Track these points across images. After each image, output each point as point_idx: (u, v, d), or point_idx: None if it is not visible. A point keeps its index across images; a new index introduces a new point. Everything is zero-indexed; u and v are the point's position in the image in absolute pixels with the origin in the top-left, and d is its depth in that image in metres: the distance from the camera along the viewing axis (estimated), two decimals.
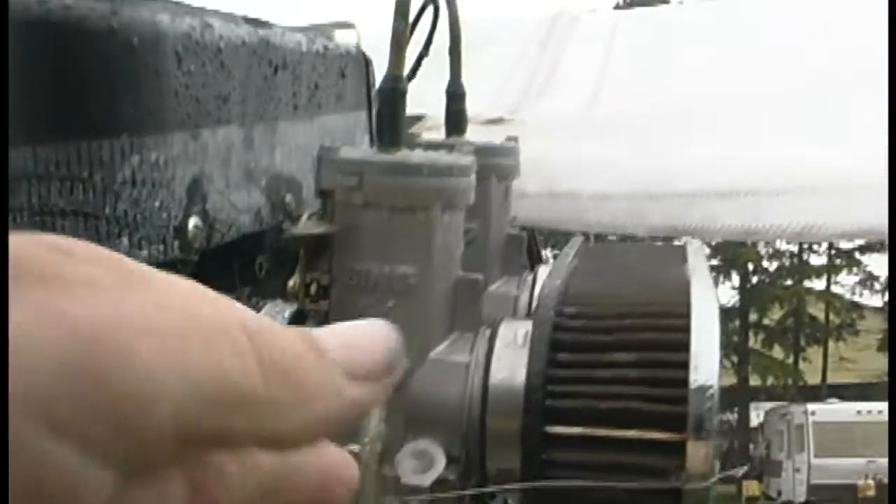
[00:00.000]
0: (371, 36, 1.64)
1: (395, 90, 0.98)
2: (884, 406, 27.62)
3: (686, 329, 0.90)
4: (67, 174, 0.89)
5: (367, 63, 1.50)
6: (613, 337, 0.92)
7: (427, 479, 0.93)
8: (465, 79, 2.64)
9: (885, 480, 25.91)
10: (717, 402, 0.87)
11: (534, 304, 1.13)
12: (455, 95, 1.32)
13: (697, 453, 0.87)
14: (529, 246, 1.38)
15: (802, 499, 26.89)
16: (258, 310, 1.02)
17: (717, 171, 1.51)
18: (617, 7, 29.42)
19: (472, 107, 2.19)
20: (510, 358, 0.94)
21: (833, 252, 32.29)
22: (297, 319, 1.01)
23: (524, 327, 0.96)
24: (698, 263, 1.07)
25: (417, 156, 0.95)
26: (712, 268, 32.10)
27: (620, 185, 1.70)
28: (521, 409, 0.91)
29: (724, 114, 1.88)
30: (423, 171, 0.93)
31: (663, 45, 2.63)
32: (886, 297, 33.76)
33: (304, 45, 1.27)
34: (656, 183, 1.61)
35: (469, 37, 3.17)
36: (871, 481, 26.11)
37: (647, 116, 1.97)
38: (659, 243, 1.53)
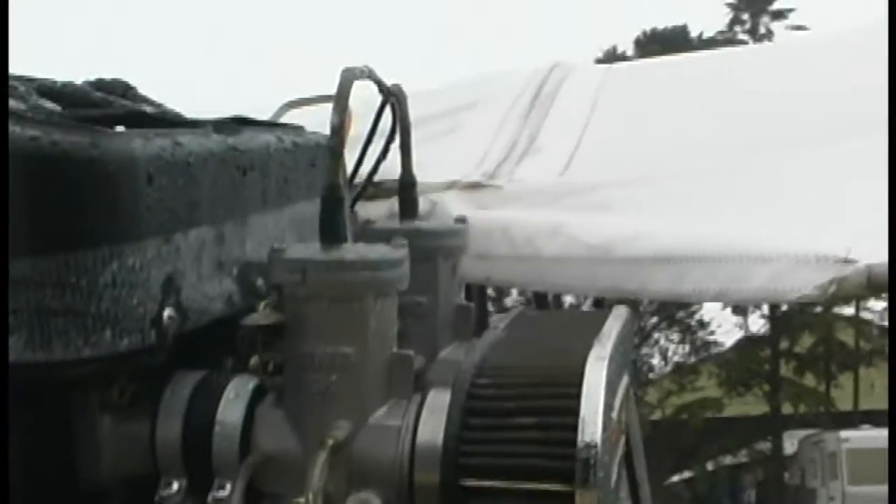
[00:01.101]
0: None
1: (333, 196, 1.16)
2: None
3: (577, 396, 1.08)
4: (58, 280, 1.07)
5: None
6: (516, 404, 1.09)
7: None
8: (456, 139, 2.80)
9: None
10: (600, 457, 1.05)
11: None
12: (406, 184, 1.50)
13: (584, 500, 1.04)
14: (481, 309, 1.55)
15: None
16: (226, 384, 1.20)
17: (653, 238, 1.68)
18: (637, 41, 29.58)
19: (457, 170, 2.37)
20: (433, 422, 1.12)
21: None
22: (258, 392, 1.19)
23: (445, 396, 1.13)
24: (609, 330, 1.24)
25: (352, 253, 1.13)
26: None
27: (574, 250, 1.86)
28: (440, 465, 1.08)
29: (660, 179, 2.04)
30: (356, 267, 1.11)
31: (647, 104, 2.78)
32: None
33: (272, 146, 1.45)
34: (604, 247, 1.78)
35: (460, 98, 3.34)
36: None
37: (611, 184, 2.13)
38: (591, 310, 1.69)
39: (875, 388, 30.45)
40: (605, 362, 1.11)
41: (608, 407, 1.09)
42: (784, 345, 31.57)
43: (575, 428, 1.06)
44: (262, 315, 1.13)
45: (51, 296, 1.08)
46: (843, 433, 27.14)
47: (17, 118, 1.09)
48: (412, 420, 1.14)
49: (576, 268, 1.84)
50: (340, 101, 1.16)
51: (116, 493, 1.23)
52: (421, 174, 2.25)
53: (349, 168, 1.94)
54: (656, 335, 30.46)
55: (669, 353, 31.00)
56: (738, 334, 32.58)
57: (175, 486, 1.19)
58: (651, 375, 29.70)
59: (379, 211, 1.97)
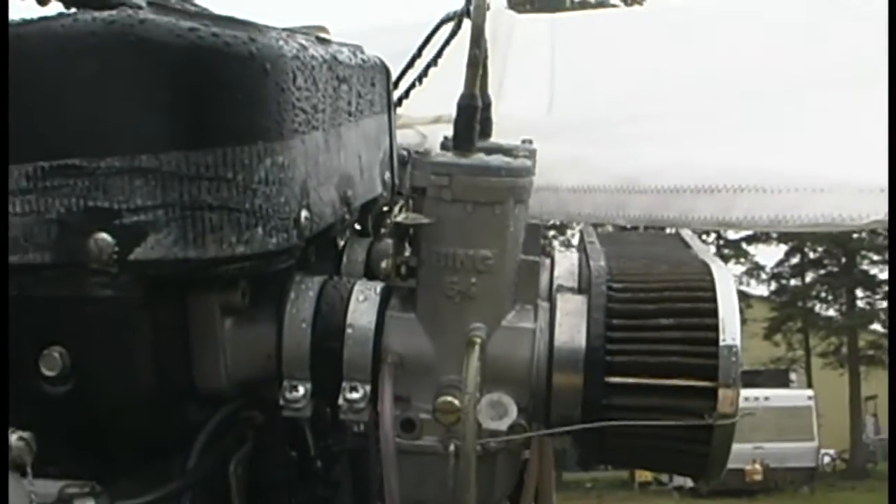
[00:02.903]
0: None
1: (470, 105, 1.19)
2: (770, 393, 28.50)
3: (713, 300, 1.13)
4: (215, 175, 1.07)
5: (387, 72, 1.71)
6: (656, 306, 1.14)
7: (504, 425, 1.14)
8: (431, 81, 2.82)
9: (772, 465, 26.81)
10: (740, 357, 1.10)
11: (556, 282, 1.33)
12: (484, 105, 1.52)
13: (726, 397, 1.10)
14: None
15: (692, 483, 27.57)
16: (352, 288, 1.22)
17: (690, 169, 1.74)
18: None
19: (441, 106, 2.39)
20: (570, 324, 1.16)
21: (721, 243, 33.07)
22: (387, 294, 1.21)
23: (577, 300, 1.18)
24: (702, 248, 1.30)
25: (496, 159, 1.16)
26: None
27: (596, 180, 1.91)
28: (582, 364, 1.13)
29: (678, 116, 2.10)
30: (501, 173, 1.14)
31: (607, 49, 2.84)
32: (772, 287, 34.79)
33: (352, 59, 1.46)
34: (633, 178, 1.83)
35: (411, 42, 3.35)
36: (758, 466, 26.93)
37: (615, 118, 2.18)
38: (651, 231, 1.75)
39: None
40: (726, 268, 1.17)
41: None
42: None
43: (715, 328, 1.11)
44: (413, 216, 1.15)
45: (206, 190, 1.08)
46: None
47: (162, 9, 1.09)
48: (545, 323, 1.17)
49: (601, 198, 1.89)
50: (478, 10, 1.18)
51: (236, 396, 1.23)
52: (406, 109, 2.28)
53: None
54: None
55: None
56: None
57: (301, 389, 1.20)
58: None
59: (408, 140, 2.00)
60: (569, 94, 2.60)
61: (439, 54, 1.92)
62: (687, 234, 1.40)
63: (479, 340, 1.13)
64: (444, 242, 1.15)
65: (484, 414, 1.14)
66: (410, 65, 2.01)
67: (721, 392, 1.10)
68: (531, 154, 1.49)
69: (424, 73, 1.90)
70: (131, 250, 1.07)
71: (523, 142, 1.56)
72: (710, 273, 1.17)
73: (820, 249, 33.95)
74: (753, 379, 31.31)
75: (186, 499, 1.17)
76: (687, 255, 1.26)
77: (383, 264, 1.20)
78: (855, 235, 31.78)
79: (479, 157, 1.16)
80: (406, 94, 1.99)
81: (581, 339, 1.14)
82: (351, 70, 1.44)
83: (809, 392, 29.20)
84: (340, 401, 1.18)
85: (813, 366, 33.37)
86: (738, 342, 1.11)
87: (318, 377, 1.20)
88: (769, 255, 35.61)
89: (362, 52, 1.58)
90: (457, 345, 1.15)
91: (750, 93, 2.01)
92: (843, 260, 32.83)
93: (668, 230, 1.64)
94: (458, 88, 2.68)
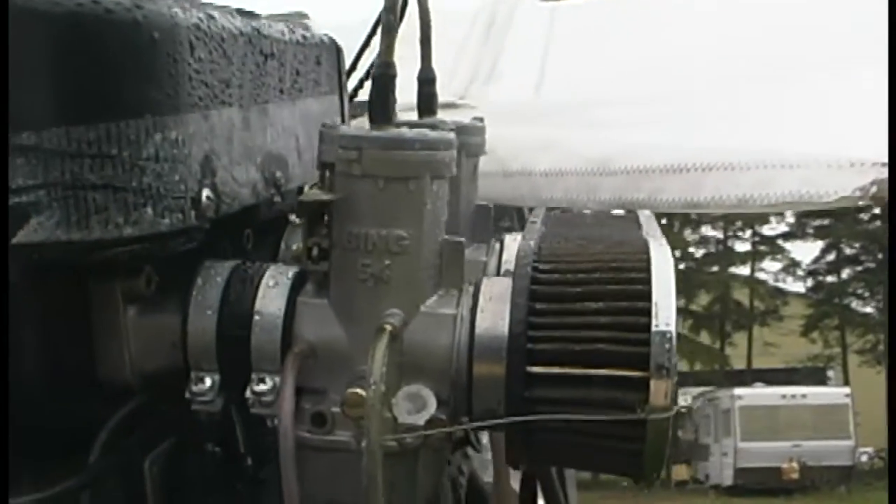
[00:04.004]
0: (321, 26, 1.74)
1: (385, 75, 1.10)
2: (807, 390, 28.29)
3: (647, 281, 1.03)
4: (98, 152, 0.99)
5: (338, 51, 1.62)
6: (583, 289, 1.05)
7: (421, 419, 1.05)
8: (408, 67, 2.74)
9: (809, 463, 26.56)
10: (674, 345, 1.01)
11: (504, 266, 1.25)
12: (427, 80, 1.44)
13: (659, 389, 1.00)
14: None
15: (730, 482, 27.40)
16: (263, 272, 1.14)
17: (661, 149, 1.65)
18: None
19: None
20: (493, 310, 1.07)
21: (757, 239, 32.84)
22: (300, 279, 1.13)
23: (502, 284, 1.08)
24: (652, 227, 1.21)
25: (410, 132, 1.07)
26: None
27: (570, 163, 1.83)
28: (504, 353, 1.03)
29: (664, 99, 2.01)
30: (415, 146, 1.05)
31: (600, 34, 2.76)
32: (809, 283, 34.49)
33: (286, 35, 1.38)
34: (603, 161, 1.74)
35: (409, 29, 3.28)
36: (795, 464, 26.69)
37: (592, 102, 2.10)
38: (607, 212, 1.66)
39: (769, 347, 31.22)
40: (668, 248, 1.08)
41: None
42: (681, 303, 32.17)
43: (647, 312, 1.01)
44: (315, 192, 1.06)
45: (89, 168, 0.99)
46: (737, 391, 27.84)
47: None
48: (467, 308, 1.08)
49: (574, 181, 1.80)
50: None
51: (142, 390, 1.15)
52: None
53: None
54: None
55: None
56: None
57: (208, 381, 1.12)
58: None
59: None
60: (557, 79, 2.52)
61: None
62: (645, 214, 1.31)
63: (389, 327, 1.04)
64: (355, 222, 1.07)
65: (400, 407, 1.05)
66: (365, 46, 1.93)
67: (653, 383, 1.00)
68: (475, 130, 1.41)
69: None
70: (13, 233, 0.99)
71: (474, 119, 1.47)
72: (647, 253, 1.07)
73: (857, 246, 33.64)
74: (790, 377, 31.10)
75: (85, 497, 1.10)
76: (633, 236, 1.17)
77: (294, 247, 1.11)
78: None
79: (395, 131, 1.07)
80: (366, 77, 1.90)
81: (504, 326, 1.05)
82: (284, 46, 1.36)
83: (846, 390, 28.91)
84: (248, 393, 1.10)
85: (850, 363, 33.04)
86: (672, 328, 1.01)
87: (226, 368, 1.12)
88: (806, 251, 35.30)
89: (306, 29, 1.50)
90: (371, 333, 1.06)
91: (722, 76, 1.92)
92: (880, 256, 32.47)
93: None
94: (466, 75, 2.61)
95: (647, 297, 1.02)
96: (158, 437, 1.21)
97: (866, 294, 33.77)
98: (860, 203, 1.35)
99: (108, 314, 1.12)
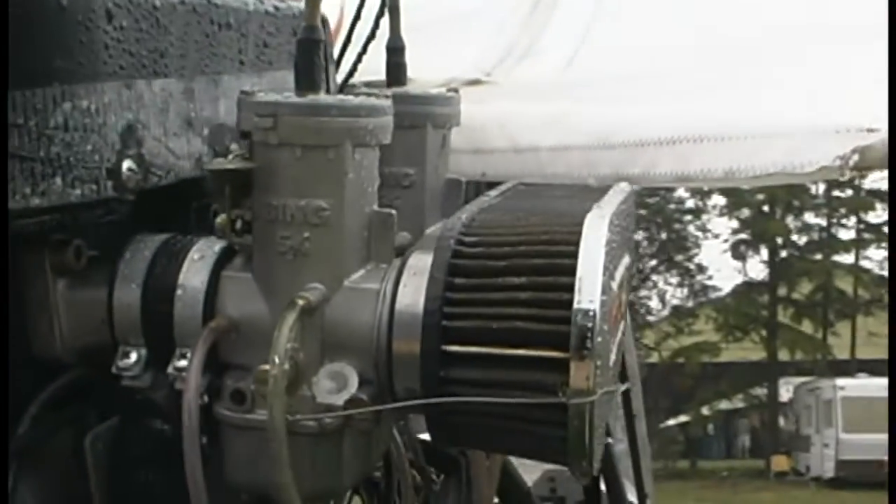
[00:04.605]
0: None
1: (310, 39, 1.06)
2: None
3: (574, 255, 0.97)
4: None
5: (323, 23, 1.58)
6: (507, 263, 0.99)
7: (340, 399, 1.01)
8: (451, 46, 2.72)
9: None
10: (599, 323, 0.95)
11: None
12: (394, 49, 1.40)
13: (580, 371, 0.94)
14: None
15: (831, 474, 26.86)
16: (191, 246, 1.10)
17: (655, 122, 1.58)
18: None
19: (455, 69, 2.29)
20: (415, 285, 1.02)
21: (861, 226, 32.08)
22: (226, 254, 1.09)
23: (427, 258, 1.03)
24: (609, 199, 1.15)
25: (328, 98, 1.03)
26: (742, 242, 32.03)
27: (575, 138, 1.77)
28: (420, 330, 0.99)
29: (673, 70, 1.95)
30: (332, 112, 1.01)
31: (644, 13, 2.69)
32: None
33: (251, 5, 1.34)
34: (605, 134, 1.69)
35: (456, 7, 3.25)
36: None
37: (613, 79, 2.04)
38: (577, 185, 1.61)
39: (873, 337, 30.51)
40: (606, 221, 1.01)
41: (608, 271, 0.99)
42: (782, 291, 31.55)
43: (570, 288, 0.96)
44: (225, 160, 1.03)
45: None
46: (840, 381, 27.23)
47: None
48: (392, 283, 1.04)
49: (576, 156, 1.75)
50: None
51: (76, 364, 1.13)
52: (417, 72, 2.14)
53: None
54: (654, 277, 30.44)
55: (667, 296, 30.99)
56: (737, 279, 32.61)
57: (133, 356, 1.09)
58: (649, 318, 29.70)
59: None
60: (590, 56, 2.46)
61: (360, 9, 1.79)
62: (619, 187, 1.25)
63: (301, 301, 1.00)
64: (273, 192, 1.03)
65: (320, 386, 1.01)
66: (357, 20, 1.88)
67: (573, 365, 0.94)
68: (443, 101, 1.36)
69: (372, 35, 1.77)
70: None
71: (448, 90, 1.43)
72: (580, 226, 1.01)
73: None
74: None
75: (11, 468, 1.08)
76: (579, 209, 1.10)
77: (218, 220, 1.07)
78: None
79: (312, 96, 1.03)
80: (361, 55, 1.85)
81: (423, 302, 1.00)
82: (246, 16, 1.32)
83: None
84: (170, 369, 1.07)
85: None
86: (596, 305, 0.95)
87: (152, 343, 1.09)
88: None
89: (278, 1, 1.46)
90: None
91: (717, 47, 1.85)
92: None
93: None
94: (469, 54, 2.57)
95: (572, 271, 0.96)
96: (104, 414, 1.19)
97: None
98: (842, 173, 1.27)
99: (38, 287, 1.11)
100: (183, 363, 1.06)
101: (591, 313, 0.94)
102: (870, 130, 1.25)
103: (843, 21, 1.62)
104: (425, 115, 1.32)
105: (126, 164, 1.06)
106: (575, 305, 0.95)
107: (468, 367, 0.98)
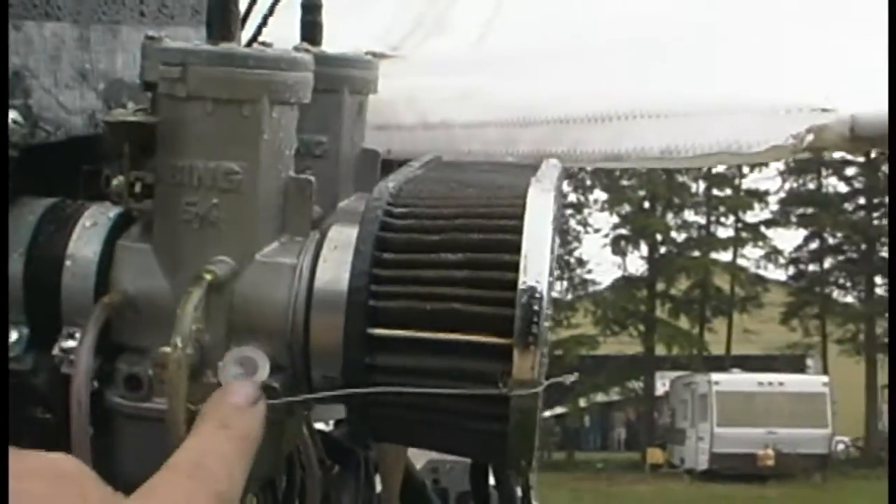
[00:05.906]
0: None
1: None
2: (785, 378, 28.26)
3: (517, 230, 0.87)
4: None
5: None
6: (442, 237, 0.89)
7: None
8: (353, 20, 2.60)
9: (784, 451, 26.53)
10: (545, 307, 0.85)
11: None
12: (310, 6, 1.28)
13: (524, 360, 0.84)
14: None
15: (705, 466, 27.44)
16: (83, 211, 0.98)
17: (583, 98, 1.50)
18: None
19: (356, 43, 2.17)
20: (337, 260, 0.91)
21: (739, 226, 32.82)
22: (123, 221, 0.97)
23: (353, 231, 0.92)
24: (546, 174, 1.05)
25: (245, 48, 0.91)
26: (622, 237, 32.54)
27: (493, 113, 1.68)
28: (343, 310, 0.88)
29: (603, 45, 1.87)
30: (249, 63, 0.90)
31: None
32: (790, 272, 34.45)
33: None
34: (526, 109, 1.60)
35: None
36: (770, 451, 26.70)
37: (533, 51, 1.95)
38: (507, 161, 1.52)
39: (748, 333, 31.22)
40: (552, 194, 0.92)
41: (553, 251, 0.89)
42: (661, 286, 32.13)
43: (515, 267, 0.85)
44: (124, 112, 0.91)
45: None
46: (714, 376, 27.85)
47: None
48: (310, 258, 0.93)
49: (493, 133, 1.65)
50: None
51: None
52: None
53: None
54: None
55: None
56: (617, 274, 33.13)
57: (14, 335, 0.96)
58: None
59: None
60: (502, 32, 2.38)
61: None
62: (550, 163, 1.15)
63: (208, 276, 0.88)
64: (179, 152, 0.91)
65: (227, 372, 0.90)
66: None
67: (517, 353, 0.84)
68: (360, 64, 1.25)
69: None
70: None
71: (367, 53, 1.32)
72: (522, 199, 0.91)
73: (840, 235, 33.63)
74: (769, 364, 31.10)
75: None
76: (518, 181, 1.00)
77: (115, 181, 0.95)
78: (875, 222, 31.44)
79: (227, 45, 0.91)
80: (267, 16, 1.73)
81: (346, 279, 0.89)
82: None
83: (825, 378, 28.95)
84: (55, 350, 0.94)
85: (829, 352, 33.05)
86: (543, 285, 0.85)
87: (35, 320, 0.96)
88: (788, 239, 35.27)
89: None
90: None
91: (654, 20, 1.77)
92: (863, 246, 32.45)
93: None
94: (374, 28, 2.46)
95: (516, 248, 0.86)
96: None
97: (848, 284, 33.72)
98: (794, 154, 1.20)
99: None
100: (71, 343, 0.93)
101: (539, 295, 0.84)
102: (824, 110, 1.18)
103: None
104: (342, 79, 1.21)
105: (11, 116, 0.93)
106: (520, 286, 0.85)
107: (397, 353, 0.87)
